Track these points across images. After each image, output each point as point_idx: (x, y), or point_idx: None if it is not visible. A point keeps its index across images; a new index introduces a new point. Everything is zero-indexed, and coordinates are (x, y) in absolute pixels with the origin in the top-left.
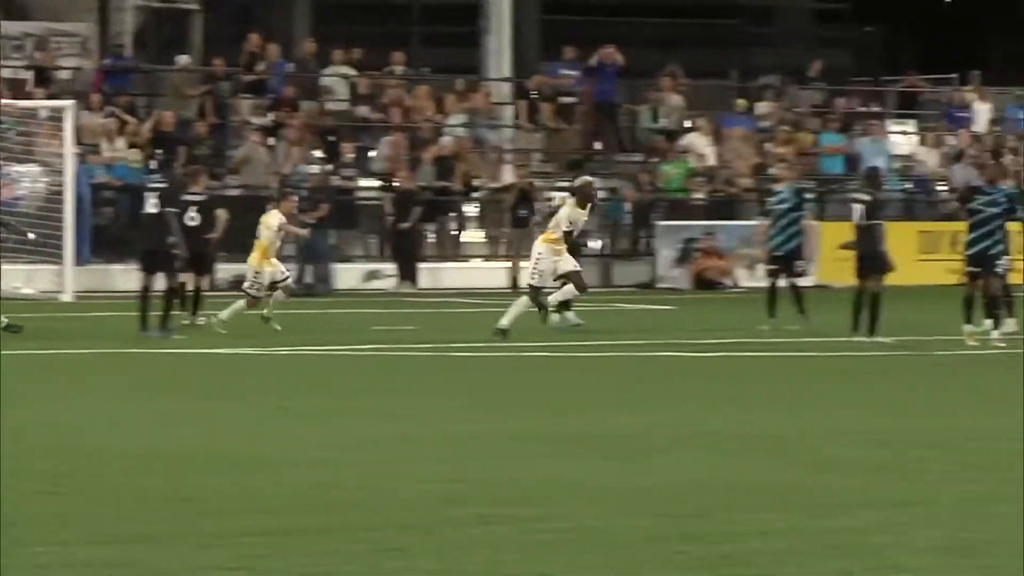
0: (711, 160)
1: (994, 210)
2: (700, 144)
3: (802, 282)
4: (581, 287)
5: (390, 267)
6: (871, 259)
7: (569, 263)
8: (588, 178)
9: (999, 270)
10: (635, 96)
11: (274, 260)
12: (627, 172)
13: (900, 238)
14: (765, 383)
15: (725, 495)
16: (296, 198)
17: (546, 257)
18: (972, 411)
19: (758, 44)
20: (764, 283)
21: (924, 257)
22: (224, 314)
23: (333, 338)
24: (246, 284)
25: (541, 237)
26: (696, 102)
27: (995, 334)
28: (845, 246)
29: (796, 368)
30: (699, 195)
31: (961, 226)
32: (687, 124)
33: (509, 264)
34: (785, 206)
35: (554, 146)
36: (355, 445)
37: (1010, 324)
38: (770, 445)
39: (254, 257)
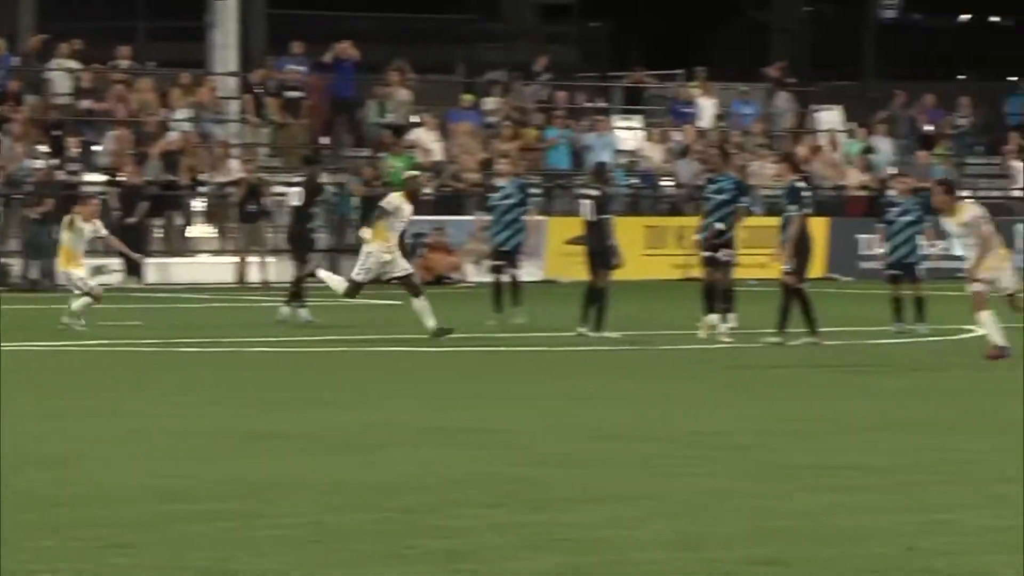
0: (438, 155)
1: (723, 197)
2: (427, 139)
3: (528, 277)
4: (416, 291)
5: (116, 262)
6: (601, 254)
7: (401, 266)
8: (415, 172)
9: (724, 259)
10: (362, 91)
11: (84, 263)
12: (355, 167)
13: (626, 233)
14: (492, 378)
15: (453, 490)
16: (96, 201)
17: (375, 255)
18: (698, 405)
19: (485, 40)
20: (490, 278)
21: (650, 252)
22: (75, 305)
23: (58, 334)
24: (75, 294)
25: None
26: (423, 97)
27: (722, 328)
28: (574, 241)
29: (523, 363)
30: (426, 190)
31: (688, 221)
32: (414, 119)
33: (237, 259)
34: (509, 201)
35: (281, 141)
36: (81, 441)
37: (731, 319)
38: (497, 440)
39: (60, 261)
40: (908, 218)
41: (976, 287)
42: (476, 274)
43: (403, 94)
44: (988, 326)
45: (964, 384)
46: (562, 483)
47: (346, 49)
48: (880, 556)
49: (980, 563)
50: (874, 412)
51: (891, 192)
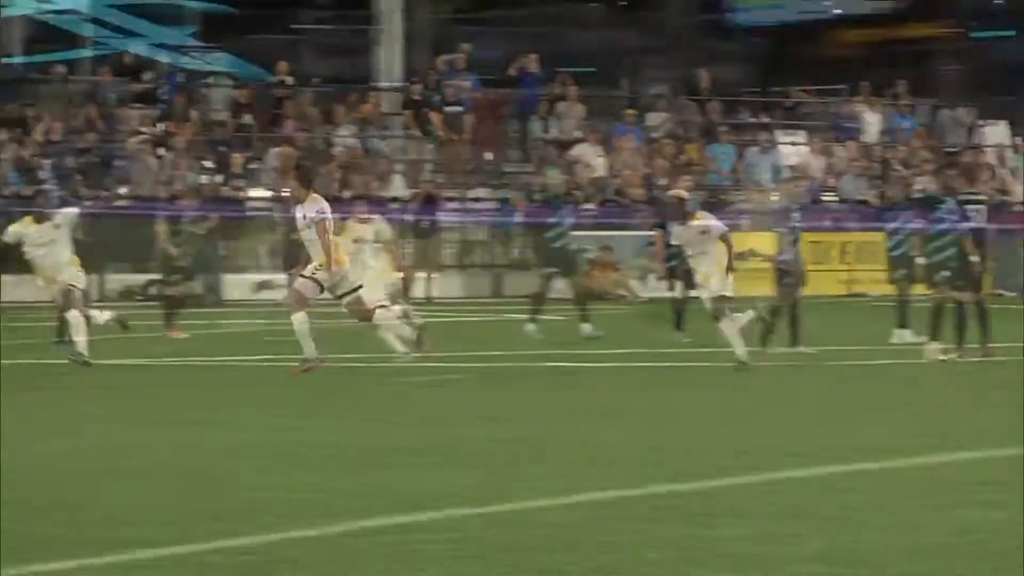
0: (600, 171)
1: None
2: (591, 154)
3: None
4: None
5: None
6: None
7: None
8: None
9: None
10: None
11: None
12: (517, 182)
13: None
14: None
15: None
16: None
17: None
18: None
19: (648, 55)
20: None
21: (814, 267)
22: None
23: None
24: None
25: None
26: (588, 112)
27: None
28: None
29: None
30: (588, 206)
31: (852, 236)
32: (578, 134)
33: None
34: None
35: (446, 156)
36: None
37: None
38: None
39: None
40: None
41: None
42: (643, 290)
43: (578, 109)
44: None
45: None
46: (710, 500)
47: (530, 63)
48: None
49: None
50: None
51: None
